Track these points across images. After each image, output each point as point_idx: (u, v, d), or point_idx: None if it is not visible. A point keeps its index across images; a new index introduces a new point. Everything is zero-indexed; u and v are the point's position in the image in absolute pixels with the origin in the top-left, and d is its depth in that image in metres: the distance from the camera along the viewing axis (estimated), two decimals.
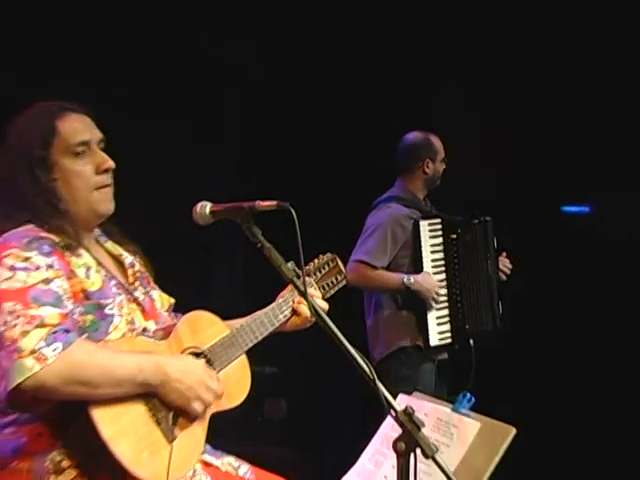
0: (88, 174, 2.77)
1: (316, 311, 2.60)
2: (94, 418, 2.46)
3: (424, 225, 4.86)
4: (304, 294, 2.62)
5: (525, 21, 7.04)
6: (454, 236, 4.92)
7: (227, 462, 2.91)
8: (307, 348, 3.05)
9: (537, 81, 7.41)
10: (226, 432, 2.89)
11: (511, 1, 6.95)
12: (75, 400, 2.47)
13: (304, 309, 3.00)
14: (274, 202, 2.63)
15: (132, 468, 2.47)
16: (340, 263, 3.24)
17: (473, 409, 2.92)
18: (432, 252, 4.87)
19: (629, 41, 7.00)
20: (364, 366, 2.43)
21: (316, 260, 3.16)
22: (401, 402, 2.73)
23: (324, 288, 3.14)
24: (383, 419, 4.20)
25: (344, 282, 3.23)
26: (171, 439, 2.60)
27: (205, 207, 2.74)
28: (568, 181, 7.62)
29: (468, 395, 2.96)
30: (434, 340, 4.83)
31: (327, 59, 7.33)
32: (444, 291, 4.89)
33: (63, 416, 2.51)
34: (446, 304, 4.90)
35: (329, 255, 3.23)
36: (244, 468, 2.92)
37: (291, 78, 7.45)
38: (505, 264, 5.11)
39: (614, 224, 7.69)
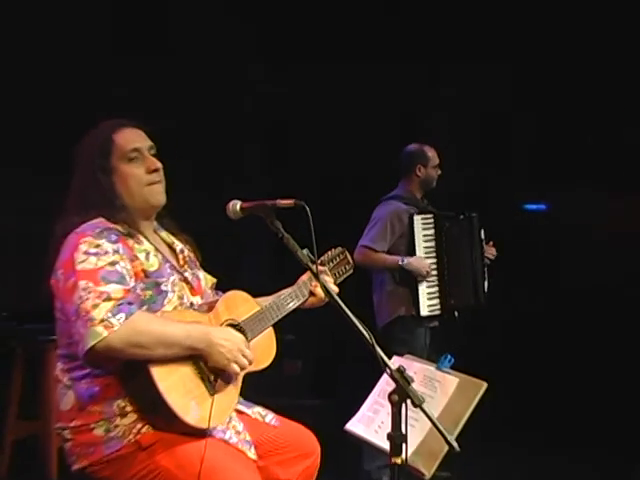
0: (140, 174, 2.82)
1: (327, 290, 2.68)
2: (151, 373, 2.50)
3: (417, 219, 4.95)
4: (316, 275, 2.67)
5: None
6: (443, 228, 5.00)
7: (256, 411, 2.94)
8: (319, 320, 3.08)
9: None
10: (255, 387, 2.93)
11: None
12: (136, 359, 2.52)
13: (319, 291, 3.03)
14: (292, 200, 2.68)
15: (181, 414, 2.52)
16: (348, 255, 3.28)
17: (453, 368, 2.95)
18: (425, 241, 4.95)
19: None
20: (365, 334, 2.49)
21: (329, 252, 3.18)
22: (395, 362, 2.76)
23: (335, 275, 3.16)
24: (380, 376, 4.27)
25: (352, 271, 3.25)
26: (212, 393, 2.63)
27: (236, 205, 2.79)
28: (529, 184, 7.70)
29: (449, 356, 2.98)
30: (424, 311, 4.93)
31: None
32: (434, 272, 4.96)
33: (127, 371, 2.56)
34: (436, 283, 4.98)
35: (340, 249, 3.26)
36: (269, 416, 2.95)
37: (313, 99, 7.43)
38: (490, 252, 5.19)
39: (565, 218, 7.82)
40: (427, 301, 4.95)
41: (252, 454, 2.73)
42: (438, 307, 5.00)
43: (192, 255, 3.01)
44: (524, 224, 7.76)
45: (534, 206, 8.21)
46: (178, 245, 2.97)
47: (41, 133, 5.73)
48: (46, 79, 5.95)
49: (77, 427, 2.65)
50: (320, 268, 2.87)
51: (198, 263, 3.05)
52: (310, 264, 2.68)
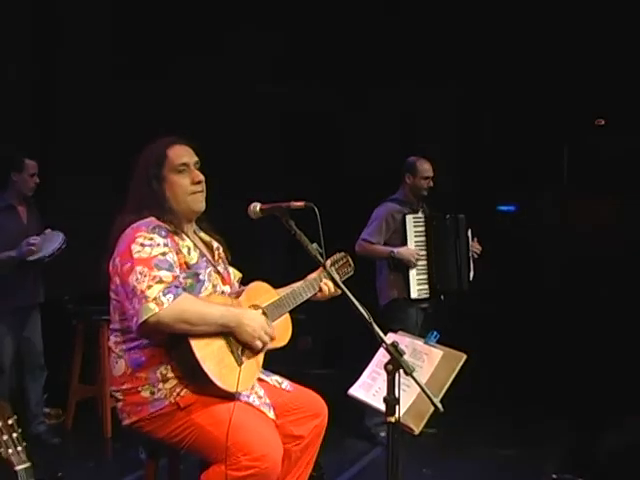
0: (186, 184, 2.83)
1: (333, 278, 2.70)
2: (191, 345, 2.55)
3: (409, 218, 4.96)
4: (324, 265, 2.69)
5: None
6: (432, 226, 5.00)
7: (274, 379, 2.95)
8: (326, 303, 3.09)
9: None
10: (274, 359, 2.94)
11: None
12: (180, 333, 2.56)
13: (326, 288, 3.04)
14: (303, 203, 2.69)
15: (215, 379, 2.55)
16: (350, 259, 3.26)
17: (438, 342, 2.94)
18: (416, 236, 4.95)
19: None
20: (365, 315, 2.49)
21: (333, 256, 3.15)
22: (389, 338, 2.77)
23: (340, 274, 3.14)
24: (377, 350, 4.27)
25: (352, 272, 3.24)
26: (240, 363, 2.66)
27: (256, 206, 2.79)
28: (501, 188, 7.70)
29: (435, 333, 2.98)
30: (414, 294, 4.94)
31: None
32: (424, 262, 4.97)
33: (171, 343, 2.60)
34: (425, 271, 4.97)
35: (342, 253, 3.24)
36: (285, 383, 2.96)
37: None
38: (476, 247, 5.17)
39: (532, 218, 7.84)
40: (417, 286, 4.95)
41: (271, 415, 2.74)
42: (427, 291, 4.99)
43: (223, 254, 3.03)
44: (497, 221, 7.76)
45: (505, 207, 8.18)
46: (215, 244, 2.99)
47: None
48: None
49: (127, 390, 2.69)
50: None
51: (227, 260, 3.06)
52: (319, 256, 2.69)
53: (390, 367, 2.42)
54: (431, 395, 2.43)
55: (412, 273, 4.93)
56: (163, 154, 2.84)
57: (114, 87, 6.05)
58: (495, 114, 7.52)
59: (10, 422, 2.05)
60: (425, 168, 5.01)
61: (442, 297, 5.08)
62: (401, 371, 2.40)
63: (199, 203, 2.87)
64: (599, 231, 7.50)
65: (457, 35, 6.88)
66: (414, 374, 2.40)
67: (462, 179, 7.34)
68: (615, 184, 7.35)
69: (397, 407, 2.44)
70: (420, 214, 5.04)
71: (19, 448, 2.03)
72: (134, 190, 2.86)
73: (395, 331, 3.11)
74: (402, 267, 4.94)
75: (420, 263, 4.95)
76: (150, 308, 2.50)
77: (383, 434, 4.94)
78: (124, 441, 4.82)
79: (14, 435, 2.03)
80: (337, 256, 3.20)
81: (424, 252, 4.98)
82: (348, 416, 3.14)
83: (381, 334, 2.47)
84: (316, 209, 2.62)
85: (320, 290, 3.05)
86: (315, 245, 2.69)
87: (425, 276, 4.98)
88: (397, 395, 2.42)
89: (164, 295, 2.52)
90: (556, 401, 5.77)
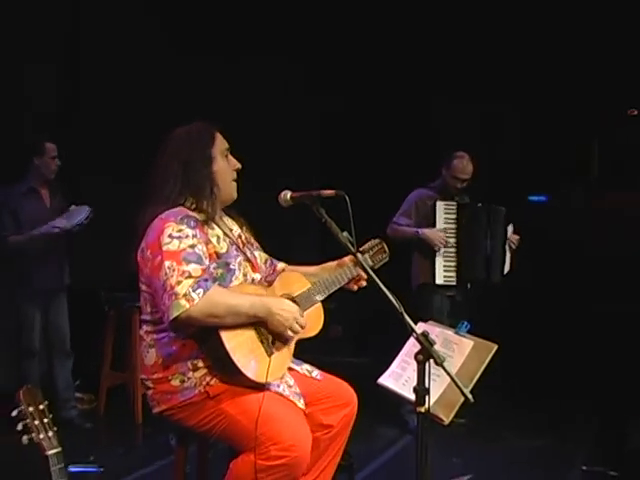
0: (229, 171, 2.80)
1: (364, 267, 2.66)
2: (221, 336, 2.51)
3: (440, 205, 4.90)
4: (354, 253, 2.66)
5: None
6: (463, 214, 4.92)
7: (304, 368, 2.91)
8: (357, 292, 3.06)
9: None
10: (305, 347, 2.91)
11: None
12: (210, 326, 2.52)
13: (361, 282, 2.99)
14: (333, 191, 2.65)
15: (244, 370, 2.52)
16: (385, 246, 3.18)
17: (469, 332, 2.92)
18: (446, 223, 4.88)
19: None
20: (396, 305, 2.45)
21: (368, 243, 3.08)
22: (420, 327, 2.75)
23: (373, 262, 3.06)
24: (407, 340, 4.22)
25: (387, 259, 3.15)
26: (270, 353, 2.62)
27: (287, 194, 2.75)
28: (533, 180, 7.60)
29: (465, 323, 2.95)
30: (439, 280, 4.89)
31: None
32: (452, 249, 4.89)
33: (201, 335, 2.55)
34: (454, 258, 4.90)
35: (377, 240, 3.16)
36: (315, 372, 2.92)
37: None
38: (513, 239, 5.07)
39: (563, 209, 7.73)
40: (443, 272, 4.89)
41: (301, 404, 2.71)
42: (453, 278, 4.92)
43: (248, 235, 2.96)
44: (529, 211, 7.66)
45: (536, 198, 8.08)
46: (237, 230, 2.92)
47: None
48: None
49: (158, 379, 2.66)
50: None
51: (253, 242, 3.00)
52: (349, 245, 2.65)
53: (420, 357, 2.39)
54: (461, 385, 2.40)
55: (438, 259, 4.87)
56: (212, 135, 2.79)
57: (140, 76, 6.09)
58: (527, 106, 7.40)
59: (41, 407, 2.05)
60: (459, 168, 4.93)
61: (469, 286, 5.01)
62: (431, 361, 2.36)
63: (235, 191, 2.84)
64: (631, 223, 7.38)
65: (489, 26, 6.82)
66: (444, 364, 2.36)
67: (494, 170, 7.25)
68: None
69: (427, 397, 2.41)
70: (453, 202, 4.95)
71: (50, 433, 2.02)
72: (168, 174, 2.73)
73: (425, 320, 3.07)
74: (429, 252, 4.88)
75: (448, 250, 4.89)
76: (181, 305, 2.45)
77: (414, 421, 4.92)
78: (154, 427, 4.83)
79: (45, 420, 2.03)
80: (372, 243, 3.13)
81: (453, 239, 4.90)
82: (378, 404, 3.12)
83: (411, 323, 2.43)
84: (347, 197, 2.56)
85: (358, 280, 2.99)
86: (346, 234, 2.64)
87: (453, 263, 4.91)
88: (427, 385, 2.39)
89: (194, 291, 2.47)
90: (586, 393, 5.70)
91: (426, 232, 4.85)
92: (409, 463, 4.39)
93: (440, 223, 4.89)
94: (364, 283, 3.00)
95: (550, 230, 7.39)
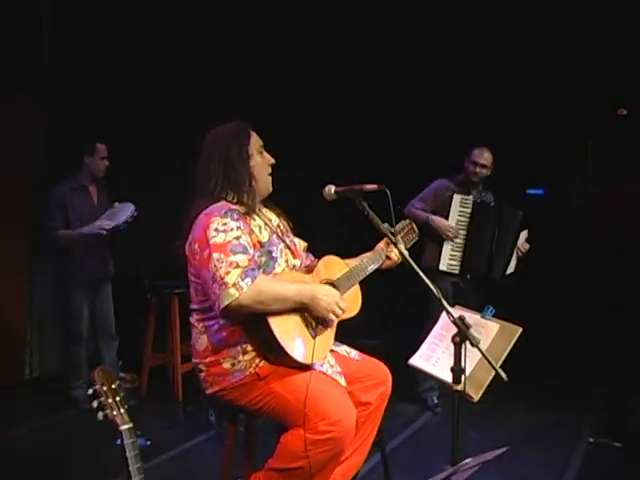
0: (265, 166, 2.79)
1: (403, 255, 2.64)
2: (269, 322, 2.50)
3: (457, 197, 4.82)
4: (395, 244, 2.65)
5: None
6: (476, 210, 4.82)
7: (343, 349, 2.91)
8: (386, 277, 3.06)
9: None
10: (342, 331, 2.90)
11: None
12: (259, 312, 2.51)
13: (393, 256, 2.98)
14: (376, 185, 2.63)
15: (291, 352, 2.52)
16: (414, 226, 3.18)
17: (494, 316, 2.91)
18: (459, 216, 4.82)
19: None
20: (433, 290, 2.45)
21: (398, 224, 3.06)
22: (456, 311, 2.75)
23: (405, 242, 3.06)
24: (427, 321, 4.20)
25: (417, 238, 3.18)
26: (314, 336, 2.62)
27: (330, 188, 2.73)
28: (530, 174, 7.55)
29: (490, 307, 2.94)
30: (443, 266, 4.82)
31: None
32: (461, 241, 4.82)
33: (250, 321, 2.55)
34: (461, 249, 4.84)
35: (407, 221, 3.17)
36: (353, 352, 2.92)
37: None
38: (524, 246, 4.92)
39: (559, 201, 7.69)
40: (448, 260, 4.83)
41: (343, 382, 2.71)
42: (457, 268, 4.85)
43: (286, 224, 2.94)
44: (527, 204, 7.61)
45: (534, 191, 8.03)
46: (275, 220, 2.89)
47: None
48: None
49: (210, 362, 2.66)
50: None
51: (291, 231, 2.97)
52: (390, 235, 2.64)
53: (457, 339, 2.39)
54: (496, 366, 2.40)
55: (446, 247, 4.81)
56: (248, 133, 2.78)
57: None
58: (524, 104, 7.34)
59: (113, 386, 2.04)
60: (475, 153, 4.86)
61: (468, 276, 4.90)
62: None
63: (270, 184, 2.83)
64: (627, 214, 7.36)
65: (485, 26, 6.72)
66: (479, 345, 2.36)
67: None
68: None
69: (463, 377, 2.41)
70: (469, 197, 4.88)
71: (122, 410, 2.02)
72: (209, 171, 2.72)
73: (452, 305, 3.05)
74: (438, 238, 4.81)
75: (457, 241, 4.82)
76: (231, 294, 2.44)
77: (433, 399, 4.95)
78: (194, 404, 4.84)
79: (117, 398, 2.03)
80: (402, 224, 3.12)
81: (464, 232, 4.83)
82: (398, 383, 3.14)
83: (449, 308, 2.42)
84: (388, 191, 2.55)
85: (388, 258, 2.99)
86: (387, 225, 2.64)
87: (459, 254, 4.84)
88: (464, 365, 2.38)
89: (242, 280, 2.45)
90: (593, 369, 5.67)
91: (435, 220, 4.78)
92: (430, 437, 4.46)
93: (454, 214, 4.82)
94: (394, 258, 3.00)
95: (548, 222, 7.34)
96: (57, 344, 5.47)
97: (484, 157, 4.86)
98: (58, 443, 4.27)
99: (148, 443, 4.06)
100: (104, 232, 4.57)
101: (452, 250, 4.84)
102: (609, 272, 6.96)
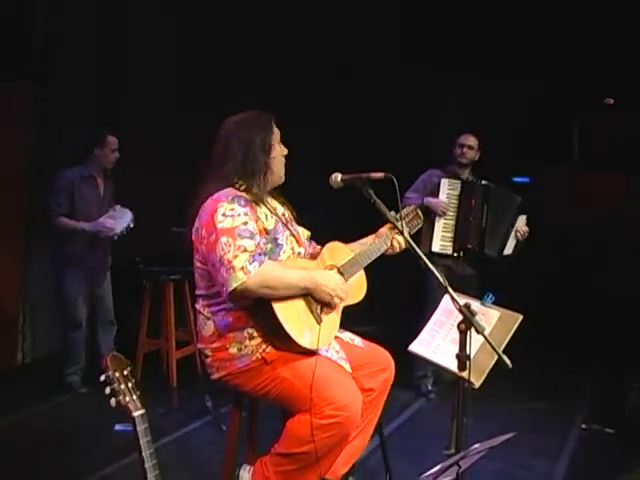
0: (281, 157, 2.80)
1: (409, 242, 2.65)
2: (274, 307, 2.53)
3: (444, 182, 4.88)
4: (401, 231, 2.67)
5: None
6: (464, 191, 4.89)
7: (347, 336, 2.94)
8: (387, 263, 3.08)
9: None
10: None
11: None
12: (264, 297, 2.53)
13: (395, 244, 2.99)
14: (382, 174, 2.64)
15: (296, 338, 2.55)
16: (420, 212, 3.19)
17: (494, 303, 2.92)
18: (449, 198, 4.88)
19: None
20: (439, 277, 2.45)
21: (404, 210, 3.05)
22: (447, 300, 2.76)
23: (410, 227, 3.07)
24: (422, 308, 4.22)
25: (422, 224, 3.19)
26: (319, 321, 2.65)
27: (337, 176, 2.76)
28: (516, 162, 7.56)
29: (490, 295, 2.95)
30: (435, 247, 4.86)
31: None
32: (452, 221, 4.87)
33: (256, 306, 2.57)
34: (452, 229, 4.88)
35: (413, 206, 3.17)
36: (357, 340, 2.95)
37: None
38: (521, 230, 4.92)
39: (545, 189, 7.75)
40: (440, 241, 4.87)
41: (348, 368, 2.74)
42: (449, 248, 4.88)
43: (289, 213, 2.94)
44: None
45: (520, 179, 8.06)
46: (280, 209, 2.90)
47: None
48: None
49: (216, 347, 2.68)
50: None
51: (295, 219, 2.97)
52: (397, 223, 2.66)
53: (463, 326, 2.41)
54: (500, 353, 2.42)
55: (437, 226, 4.85)
56: (271, 123, 2.78)
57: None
58: (516, 95, 7.36)
59: (125, 373, 2.05)
60: (461, 137, 4.94)
61: (461, 254, 4.91)
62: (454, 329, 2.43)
63: (283, 174, 2.84)
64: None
65: (472, 14, 6.74)
66: (483, 333, 2.39)
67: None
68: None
69: (469, 363, 2.43)
70: (457, 180, 4.92)
71: (134, 396, 2.03)
72: (229, 153, 2.70)
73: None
74: (431, 219, 4.84)
75: (448, 222, 4.87)
76: (238, 277, 2.46)
77: (427, 386, 5.00)
78: (189, 390, 4.87)
79: (129, 385, 2.04)
80: (408, 209, 3.13)
81: (453, 213, 4.87)
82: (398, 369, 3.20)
83: (454, 295, 2.44)
84: (394, 179, 2.57)
85: (392, 246, 3.00)
86: (393, 212, 2.67)
87: (450, 234, 4.88)
88: (469, 352, 2.41)
89: (250, 264, 2.47)
90: (586, 356, 5.76)
91: (430, 200, 4.84)
92: (425, 422, 4.50)
93: (444, 198, 4.88)
94: (398, 246, 3.01)
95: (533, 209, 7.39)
96: (51, 329, 5.46)
97: (469, 139, 4.93)
98: (54, 430, 4.26)
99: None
100: (103, 234, 4.65)
101: (444, 231, 4.88)
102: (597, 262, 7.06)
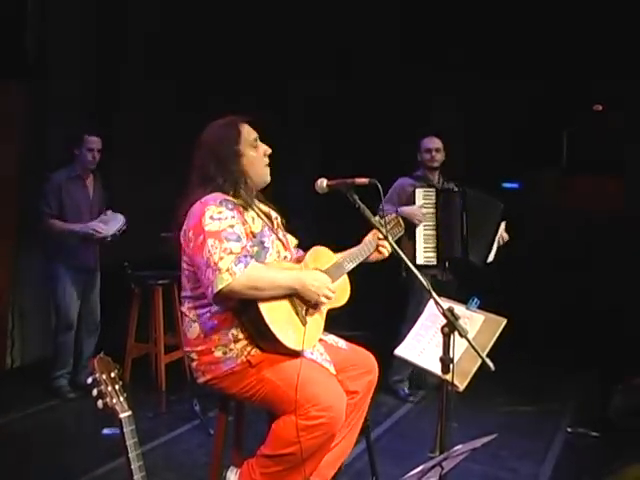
0: (261, 158, 2.82)
1: (393, 246, 2.68)
2: (259, 309, 2.55)
3: (419, 191, 4.88)
4: (386, 236, 2.68)
5: None
6: (440, 199, 4.89)
7: (331, 338, 2.97)
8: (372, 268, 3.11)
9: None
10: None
11: None
12: (250, 299, 2.56)
13: (382, 250, 3.03)
14: (367, 179, 2.66)
15: (282, 339, 2.57)
16: (400, 220, 3.22)
17: (479, 307, 2.96)
18: (425, 207, 4.87)
19: None
20: (423, 281, 2.48)
21: (387, 217, 3.01)
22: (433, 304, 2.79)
23: (391, 235, 3.07)
24: (408, 313, 4.22)
25: (403, 231, 3.22)
26: (304, 323, 2.67)
27: (323, 182, 2.77)
28: (506, 167, 7.60)
29: (475, 299, 2.99)
30: (420, 260, 4.85)
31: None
32: (432, 232, 4.87)
33: (241, 308, 2.60)
34: (433, 239, 4.88)
35: (394, 215, 3.23)
36: (341, 342, 2.98)
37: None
38: (503, 238, 4.92)
39: (534, 195, 7.79)
40: (423, 253, 4.87)
41: (332, 370, 2.76)
42: (434, 259, 4.89)
43: (279, 220, 2.98)
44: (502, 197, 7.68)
45: (509, 184, 8.10)
46: (272, 213, 2.95)
47: None
48: None
49: (201, 350, 2.70)
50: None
51: (284, 227, 3.02)
52: (381, 228, 2.69)
53: (446, 330, 2.43)
54: (483, 356, 2.45)
55: (419, 240, 4.85)
56: (238, 131, 2.80)
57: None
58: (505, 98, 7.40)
59: (112, 375, 2.08)
60: (425, 141, 4.95)
61: (447, 264, 4.93)
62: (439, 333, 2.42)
63: (268, 176, 2.87)
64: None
65: (461, 18, 6.80)
66: (466, 336, 2.41)
67: (470, 157, 7.23)
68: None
69: (452, 366, 2.46)
70: (432, 188, 4.92)
71: (121, 398, 2.05)
72: (204, 168, 2.75)
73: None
74: (411, 233, 4.82)
75: (428, 232, 4.86)
76: (224, 278, 2.49)
77: (404, 390, 5.04)
78: (177, 394, 4.89)
79: (116, 387, 2.06)
80: (389, 217, 3.14)
81: (433, 222, 4.87)
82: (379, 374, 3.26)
83: (438, 300, 2.46)
84: (379, 185, 2.60)
85: (378, 251, 3.03)
86: (378, 217, 2.70)
87: (432, 245, 4.88)
88: (452, 355, 2.44)
89: (236, 265, 2.50)
90: (572, 359, 5.80)
91: (404, 209, 4.80)
92: (411, 427, 4.52)
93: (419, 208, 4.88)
94: (385, 252, 3.05)
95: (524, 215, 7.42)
96: (40, 334, 5.47)
97: (435, 142, 4.95)
98: (42, 434, 4.27)
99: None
100: (94, 237, 4.68)
101: (425, 242, 4.88)
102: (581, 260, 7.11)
